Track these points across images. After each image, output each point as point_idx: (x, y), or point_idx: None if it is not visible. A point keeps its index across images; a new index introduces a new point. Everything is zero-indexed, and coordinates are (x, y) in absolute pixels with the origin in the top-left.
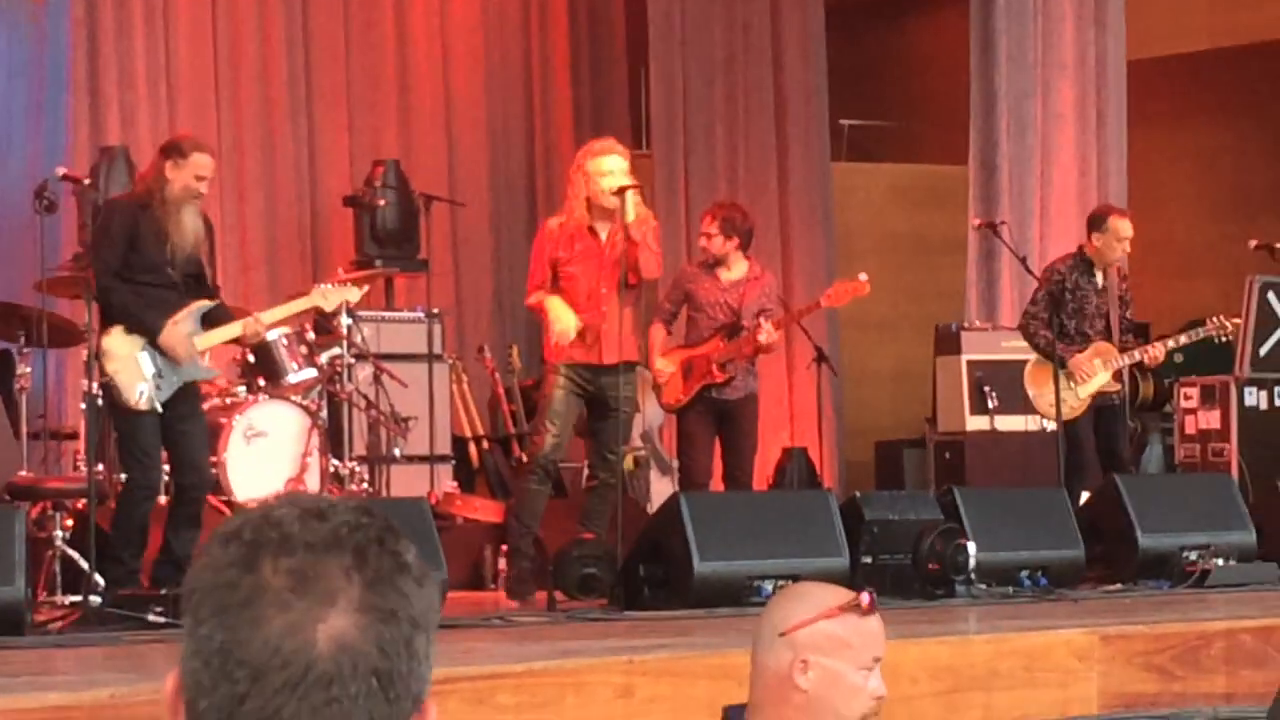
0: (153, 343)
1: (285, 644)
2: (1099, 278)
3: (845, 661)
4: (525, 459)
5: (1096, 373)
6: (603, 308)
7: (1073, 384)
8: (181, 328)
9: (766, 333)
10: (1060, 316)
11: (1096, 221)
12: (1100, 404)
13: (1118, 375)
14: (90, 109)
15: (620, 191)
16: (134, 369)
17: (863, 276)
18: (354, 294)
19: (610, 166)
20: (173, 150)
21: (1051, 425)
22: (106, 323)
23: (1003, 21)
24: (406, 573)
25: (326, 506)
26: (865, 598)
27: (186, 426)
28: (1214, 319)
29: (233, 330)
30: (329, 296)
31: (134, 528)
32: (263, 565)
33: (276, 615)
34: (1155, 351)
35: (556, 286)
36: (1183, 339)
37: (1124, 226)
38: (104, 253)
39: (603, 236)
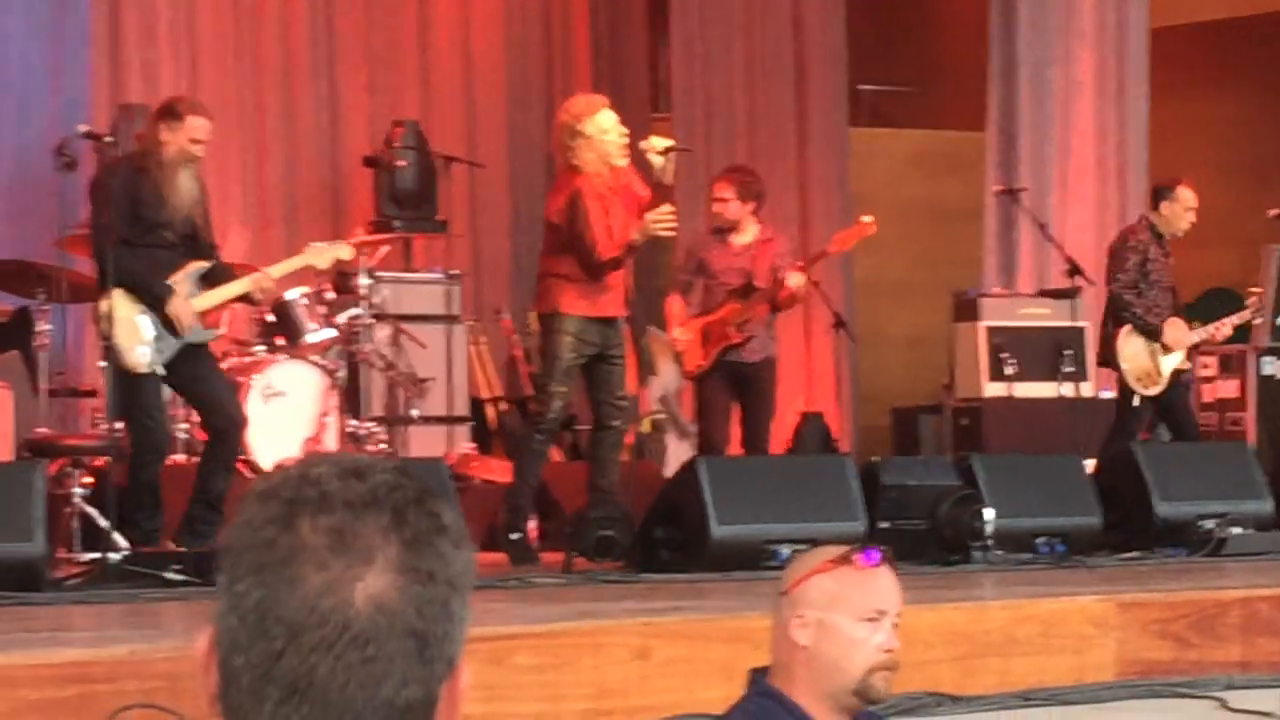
0: (158, 310)
1: (323, 602)
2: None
3: (841, 614)
4: (531, 417)
5: (1187, 344)
6: (627, 260)
7: (1162, 355)
8: (181, 291)
9: (794, 276)
10: (1143, 286)
11: (1164, 191)
12: (1172, 384)
13: (1189, 352)
14: (111, 67)
15: (666, 151)
16: (134, 331)
17: (866, 218)
18: (346, 251)
19: (609, 122)
20: (168, 113)
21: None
22: (108, 286)
23: None
24: (444, 534)
25: (365, 465)
26: (863, 554)
27: (201, 374)
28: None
29: (234, 288)
30: (322, 254)
31: (144, 489)
32: (301, 523)
33: (314, 573)
34: (1225, 330)
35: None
36: (1235, 320)
37: (1191, 196)
38: (101, 217)
39: (613, 188)
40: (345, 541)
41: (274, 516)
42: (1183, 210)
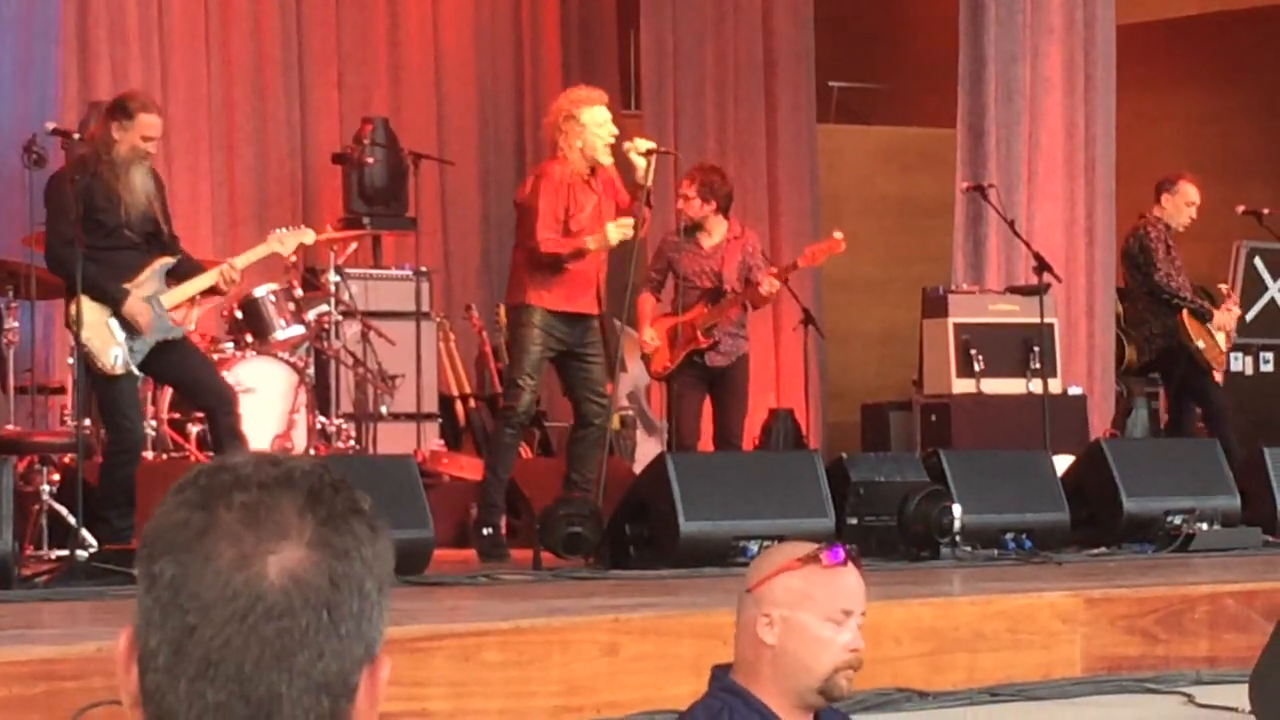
0: (115, 312)
1: (236, 575)
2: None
3: (808, 613)
4: (500, 412)
5: (1233, 322)
6: (599, 257)
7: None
8: (143, 290)
9: (769, 283)
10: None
11: (1165, 185)
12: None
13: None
14: (80, 63)
15: (648, 154)
16: (106, 334)
17: (837, 234)
18: (308, 236)
19: (604, 117)
20: (118, 111)
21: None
22: (72, 292)
23: None
24: (360, 516)
25: (282, 455)
26: (830, 552)
27: (177, 360)
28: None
29: (203, 281)
30: (285, 240)
31: (118, 489)
32: (216, 503)
33: (228, 548)
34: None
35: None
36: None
37: (1193, 191)
38: (58, 225)
39: (594, 184)
40: (259, 518)
41: (189, 500)
42: (1183, 204)
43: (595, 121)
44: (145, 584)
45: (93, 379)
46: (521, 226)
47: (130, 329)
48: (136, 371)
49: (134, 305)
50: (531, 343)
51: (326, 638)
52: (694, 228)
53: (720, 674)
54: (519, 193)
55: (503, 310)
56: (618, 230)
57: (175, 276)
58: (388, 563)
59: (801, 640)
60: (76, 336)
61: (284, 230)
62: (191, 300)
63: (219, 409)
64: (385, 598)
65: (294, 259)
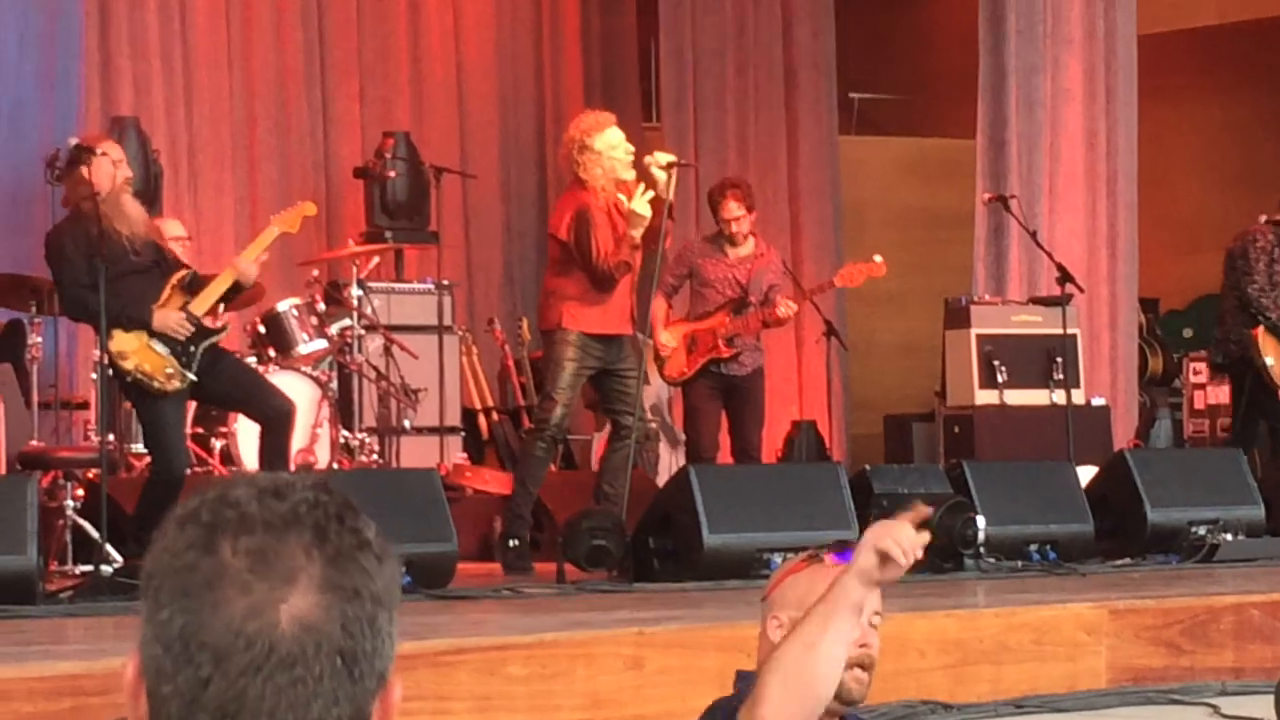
0: (151, 333)
1: (248, 625)
2: None
3: None
4: (532, 425)
5: None
6: (630, 278)
7: None
8: (171, 305)
9: (786, 306)
10: (1268, 287)
11: None
12: None
13: None
14: (102, 79)
15: (669, 167)
16: (152, 355)
17: (878, 258)
18: (310, 208)
19: (618, 138)
20: (81, 156)
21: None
22: (106, 331)
23: None
24: (368, 549)
25: (284, 484)
26: (837, 554)
27: (229, 376)
28: None
29: (224, 282)
30: (287, 219)
31: (158, 514)
32: (221, 546)
33: (238, 597)
34: None
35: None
36: None
37: None
38: (66, 270)
39: (620, 206)
40: (267, 562)
41: (194, 540)
42: None
43: (610, 145)
44: (152, 629)
45: (140, 406)
46: (560, 259)
47: (172, 342)
48: (193, 377)
49: (165, 319)
50: (567, 359)
51: (341, 683)
52: (728, 240)
53: (743, 677)
54: (553, 226)
55: (525, 325)
56: (641, 203)
57: (193, 289)
58: (396, 589)
59: None
60: (123, 371)
61: (282, 213)
62: (214, 308)
63: (276, 422)
64: (394, 623)
65: (316, 273)
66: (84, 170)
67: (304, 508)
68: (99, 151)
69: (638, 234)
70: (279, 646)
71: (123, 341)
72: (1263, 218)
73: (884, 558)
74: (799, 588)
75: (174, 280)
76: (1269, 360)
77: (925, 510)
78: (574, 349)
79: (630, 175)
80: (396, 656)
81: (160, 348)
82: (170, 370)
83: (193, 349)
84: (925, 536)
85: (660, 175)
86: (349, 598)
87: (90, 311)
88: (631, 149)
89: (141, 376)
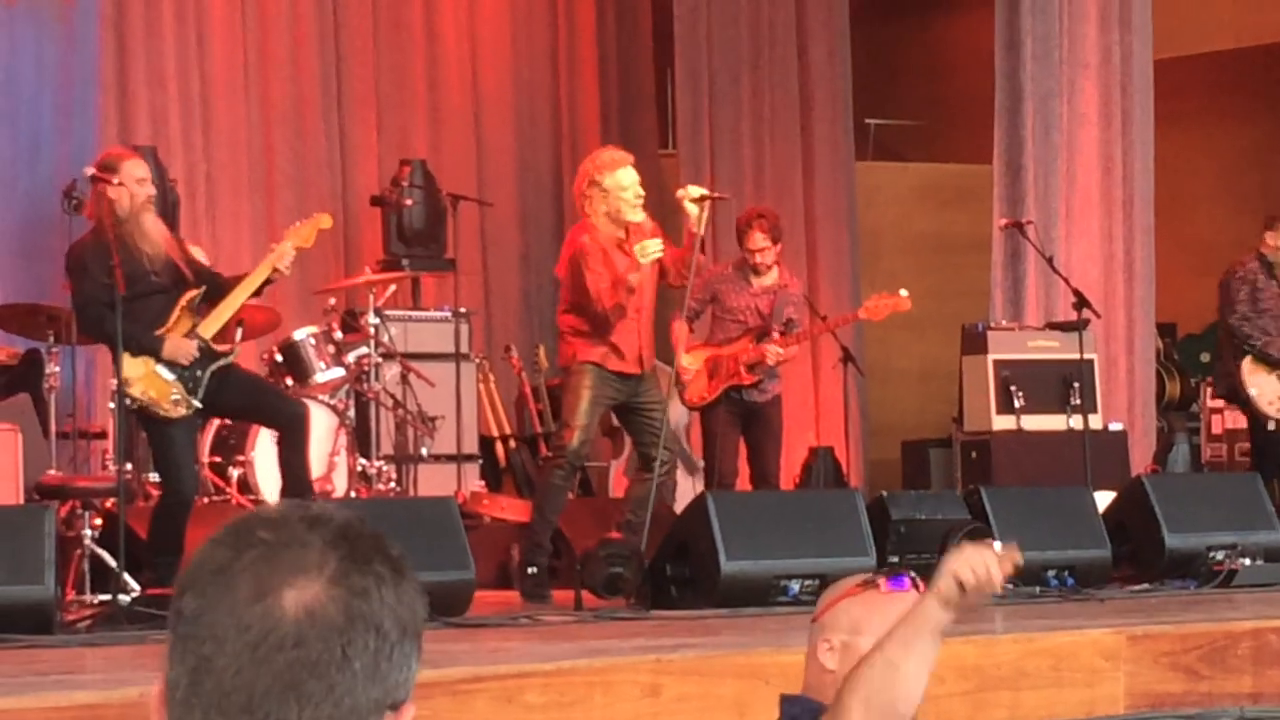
0: (158, 359)
1: (252, 608)
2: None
3: (866, 637)
4: (550, 453)
5: None
6: (640, 316)
7: None
8: (180, 329)
9: (773, 353)
10: (1249, 316)
11: (1271, 221)
12: None
13: None
14: (119, 108)
15: (701, 200)
16: (158, 382)
17: (903, 292)
18: (325, 221)
19: (629, 180)
20: (104, 172)
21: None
22: (116, 353)
23: (1028, 20)
24: (385, 558)
25: (320, 506)
26: (891, 579)
27: (241, 388)
28: None
29: (241, 293)
30: (300, 232)
31: (169, 537)
32: (244, 541)
33: (247, 581)
34: None
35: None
36: None
37: None
38: (85, 288)
39: (625, 247)
40: (282, 552)
41: (220, 540)
42: None
43: (619, 185)
44: (172, 621)
45: (148, 429)
46: (565, 296)
47: (179, 367)
48: (198, 404)
49: (172, 346)
50: (584, 388)
51: (339, 671)
52: (751, 268)
53: (790, 701)
54: (558, 267)
55: (542, 353)
56: (643, 253)
57: (209, 301)
58: (414, 609)
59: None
60: (131, 397)
61: (298, 224)
62: (231, 324)
63: (292, 428)
64: (410, 644)
65: (333, 301)
66: (105, 188)
67: (327, 516)
68: (120, 170)
69: (635, 279)
70: (278, 628)
71: (130, 367)
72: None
73: (962, 584)
74: (853, 612)
75: (183, 302)
76: (1253, 391)
77: (1016, 555)
78: (590, 378)
79: (637, 218)
80: (416, 685)
81: (166, 374)
82: (176, 397)
83: (199, 373)
84: (1010, 562)
85: (692, 209)
86: (357, 593)
87: (105, 333)
88: (642, 193)
89: (148, 403)
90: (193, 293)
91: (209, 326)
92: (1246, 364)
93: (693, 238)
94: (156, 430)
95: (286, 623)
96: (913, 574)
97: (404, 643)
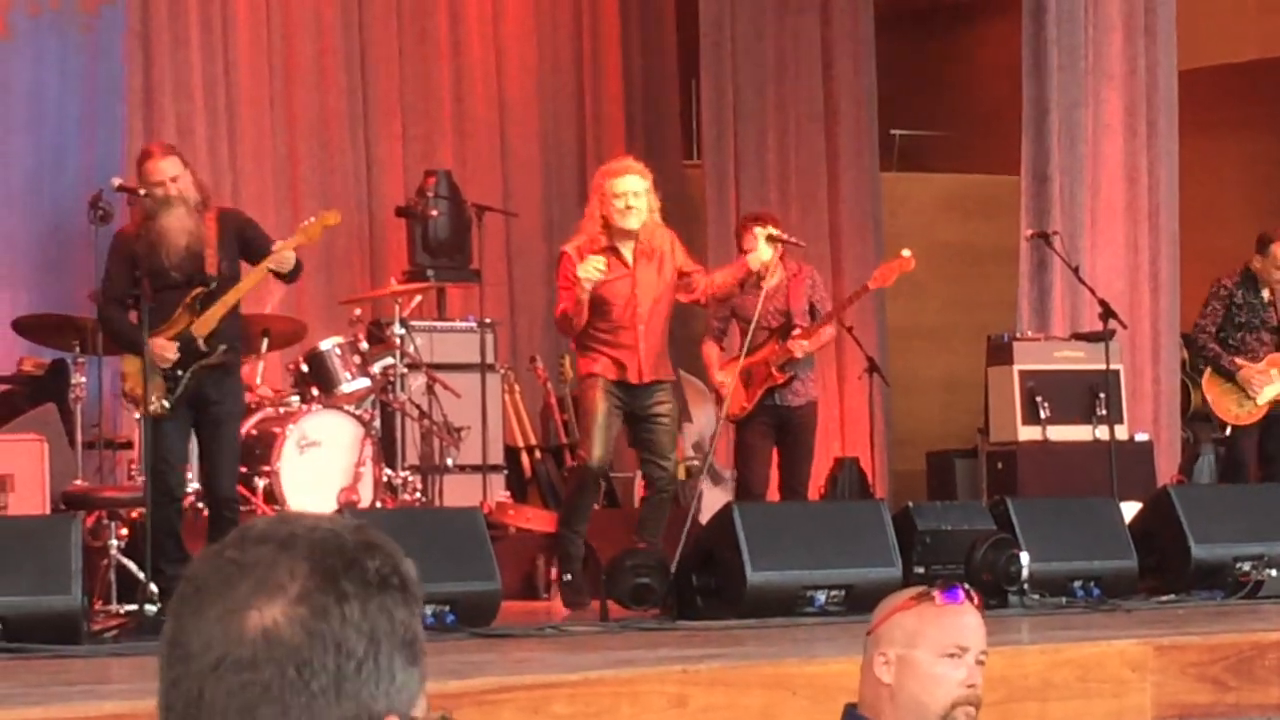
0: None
1: (217, 628)
2: (1265, 293)
3: (922, 650)
4: (573, 468)
5: (1270, 383)
6: (639, 327)
7: (1250, 393)
8: (174, 329)
9: (799, 348)
10: (1229, 329)
11: (1261, 244)
12: (1273, 414)
13: None
14: (145, 119)
15: (772, 240)
16: (142, 381)
17: (906, 252)
18: (332, 218)
19: (624, 187)
20: (138, 168)
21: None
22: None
23: (1054, 31)
24: (359, 572)
25: (310, 517)
26: (946, 592)
27: (213, 437)
28: None
29: (235, 294)
30: (308, 231)
31: (163, 535)
32: (220, 561)
33: (216, 602)
34: None
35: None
36: None
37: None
38: (105, 283)
39: (626, 255)
40: (253, 574)
41: (203, 558)
42: (1274, 268)
43: (613, 192)
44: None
45: (144, 426)
46: None
47: (161, 370)
48: (166, 404)
49: (155, 349)
50: (596, 402)
51: (294, 694)
52: (755, 274)
53: (850, 712)
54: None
55: (568, 363)
56: (584, 269)
57: (209, 301)
58: (392, 621)
59: (915, 678)
60: (148, 405)
61: (310, 220)
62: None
63: (218, 512)
64: (390, 656)
65: (359, 311)
66: (137, 184)
67: (304, 531)
68: (141, 174)
69: (583, 297)
70: (234, 650)
71: (128, 363)
72: None
73: None
74: (906, 625)
75: (187, 299)
76: (1209, 398)
77: None
78: (598, 390)
79: (630, 225)
80: (442, 695)
81: (153, 374)
82: (155, 395)
83: (179, 373)
84: None
85: (765, 251)
86: (320, 615)
87: (111, 330)
88: (633, 204)
89: (136, 400)
90: (198, 290)
91: (203, 324)
92: (1206, 375)
93: (747, 271)
94: (145, 427)
95: (245, 644)
96: (967, 586)
97: (377, 656)
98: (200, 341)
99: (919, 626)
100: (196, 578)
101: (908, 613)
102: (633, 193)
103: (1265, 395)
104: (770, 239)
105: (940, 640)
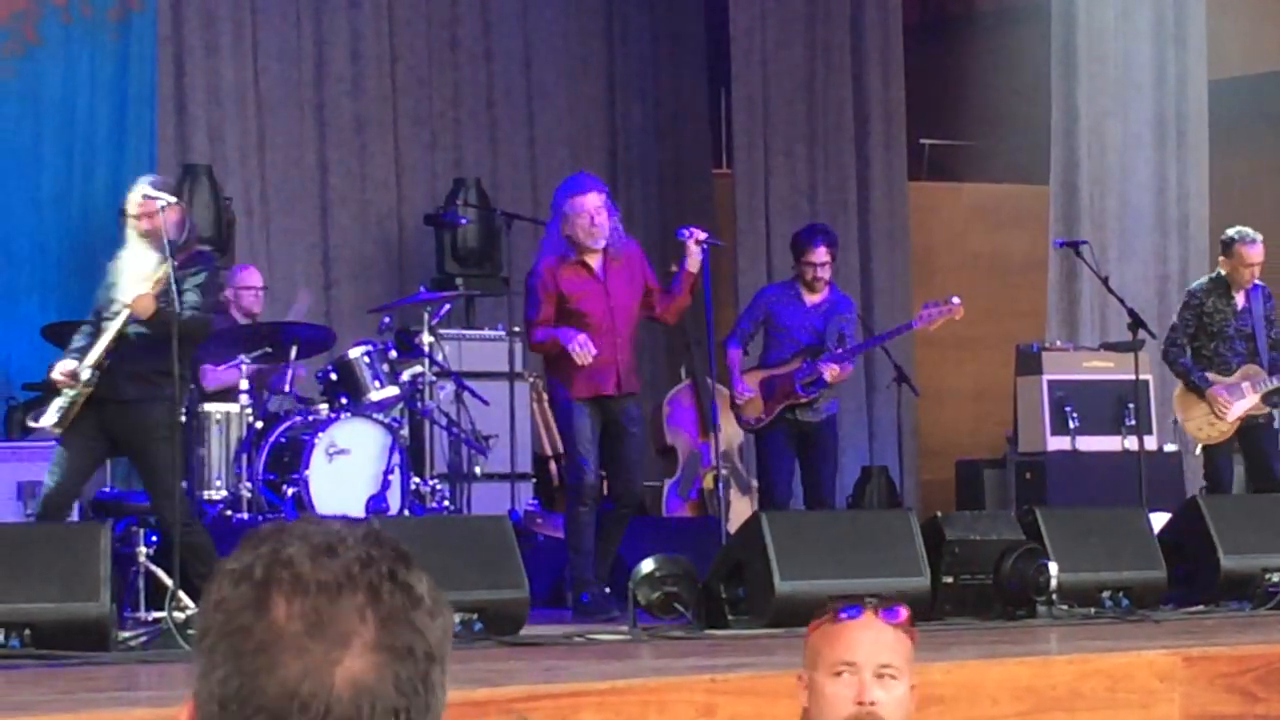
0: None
1: (303, 688)
2: (1238, 299)
3: (820, 671)
4: (567, 491)
5: (1241, 398)
6: (615, 339)
7: (1217, 414)
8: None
9: (831, 372)
10: (1202, 339)
11: (1224, 246)
12: (1247, 424)
13: (1267, 397)
14: (176, 126)
15: (700, 242)
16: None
17: (956, 300)
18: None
19: (589, 205)
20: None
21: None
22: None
23: (1083, 41)
24: (420, 606)
25: (336, 540)
26: (846, 609)
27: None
28: None
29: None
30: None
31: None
32: (275, 608)
33: (293, 660)
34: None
35: (566, 325)
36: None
37: (1250, 252)
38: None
39: (596, 267)
40: (322, 625)
41: (248, 601)
42: (1241, 266)
43: (575, 212)
44: (207, 687)
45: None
46: None
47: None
48: (42, 424)
49: (53, 368)
50: (573, 419)
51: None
52: (806, 284)
53: None
54: None
55: None
56: (581, 359)
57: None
58: (447, 641)
59: (815, 699)
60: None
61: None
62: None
63: (170, 522)
64: (446, 673)
65: (387, 319)
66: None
67: (357, 567)
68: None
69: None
70: (334, 708)
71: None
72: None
73: None
74: (811, 646)
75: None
76: (1179, 416)
77: None
78: (574, 406)
79: (598, 243)
80: (470, 704)
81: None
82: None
83: (60, 398)
84: None
85: (696, 251)
86: (401, 657)
87: None
88: (597, 221)
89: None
90: (87, 326)
91: (88, 357)
92: (1178, 390)
93: (691, 277)
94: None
95: (342, 703)
96: (873, 600)
97: (444, 675)
98: (84, 370)
99: (818, 646)
100: (255, 631)
101: (814, 634)
102: (595, 209)
103: (1233, 414)
104: (697, 243)
105: (830, 658)
